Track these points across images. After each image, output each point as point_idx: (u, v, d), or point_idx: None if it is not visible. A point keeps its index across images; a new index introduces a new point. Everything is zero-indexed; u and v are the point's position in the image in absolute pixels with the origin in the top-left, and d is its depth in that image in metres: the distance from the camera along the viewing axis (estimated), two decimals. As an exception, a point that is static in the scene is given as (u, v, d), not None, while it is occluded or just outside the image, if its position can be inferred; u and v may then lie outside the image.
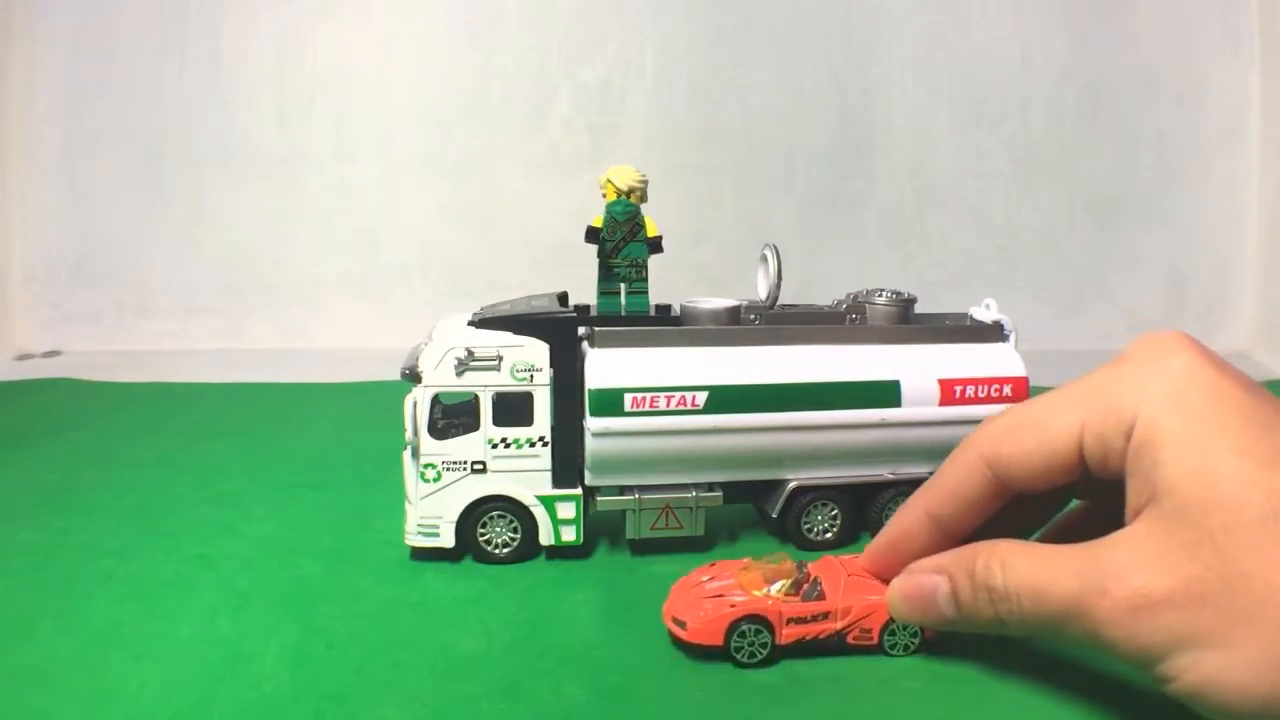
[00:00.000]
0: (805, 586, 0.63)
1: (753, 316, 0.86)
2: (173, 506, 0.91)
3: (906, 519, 0.62)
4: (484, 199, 1.72)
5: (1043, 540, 0.64)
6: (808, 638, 0.62)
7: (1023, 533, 0.66)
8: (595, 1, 1.70)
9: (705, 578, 0.66)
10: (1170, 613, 0.46)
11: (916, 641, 0.63)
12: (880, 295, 0.88)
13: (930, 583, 0.58)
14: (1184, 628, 0.46)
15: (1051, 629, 0.52)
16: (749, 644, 0.62)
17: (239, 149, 1.70)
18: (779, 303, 0.86)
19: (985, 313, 0.87)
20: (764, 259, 0.86)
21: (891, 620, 0.62)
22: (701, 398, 0.77)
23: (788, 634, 0.62)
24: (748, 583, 0.64)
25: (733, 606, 0.62)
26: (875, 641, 0.63)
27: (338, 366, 1.49)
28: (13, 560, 0.78)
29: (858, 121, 1.73)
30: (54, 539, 0.83)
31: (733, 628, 0.62)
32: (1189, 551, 0.47)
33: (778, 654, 0.62)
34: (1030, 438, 0.56)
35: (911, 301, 0.88)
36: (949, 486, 0.60)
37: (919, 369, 0.81)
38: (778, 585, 0.63)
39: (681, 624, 0.63)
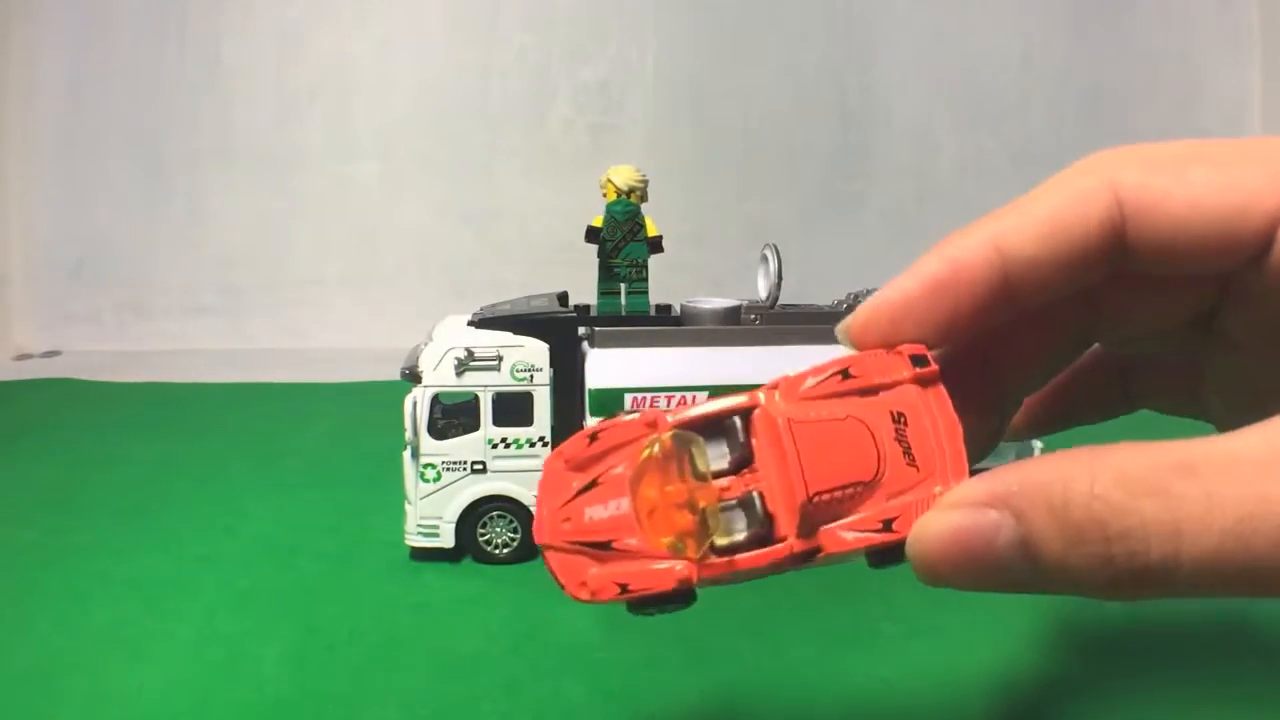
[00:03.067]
0: (744, 513, 0.35)
1: (753, 316, 0.86)
2: (173, 506, 0.91)
3: (958, 252, 0.37)
4: (484, 199, 1.72)
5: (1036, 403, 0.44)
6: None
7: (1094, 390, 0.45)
8: (595, 1, 1.70)
9: (582, 483, 0.36)
10: None
11: None
12: (880, 295, 0.88)
13: (984, 523, 0.32)
14: None
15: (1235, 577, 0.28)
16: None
17: (239, 148, 1.70)
18: (779, 303, 0.86)
19: (985, 313, 0.87)
20: (764, 259, 0.86)
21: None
22: (702, 398, 0.77)
23: (707, 577, 0.35)
24: (650, 524, 0.35)
25: (622, 587, 0.35)
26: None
27: (338, 366, 1.49)
28: (13, 560, 0.78)
29: (858, 121, 1.73)
30: (54, 539, 0.83)
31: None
32: None
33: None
34: (1206, 178, 0.34)
35: (912, 301, 0.87)
36: (1043, 214, 0.37)
37: (919, 369, 0.81)
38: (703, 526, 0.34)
39: (558, 582, 0.36)
